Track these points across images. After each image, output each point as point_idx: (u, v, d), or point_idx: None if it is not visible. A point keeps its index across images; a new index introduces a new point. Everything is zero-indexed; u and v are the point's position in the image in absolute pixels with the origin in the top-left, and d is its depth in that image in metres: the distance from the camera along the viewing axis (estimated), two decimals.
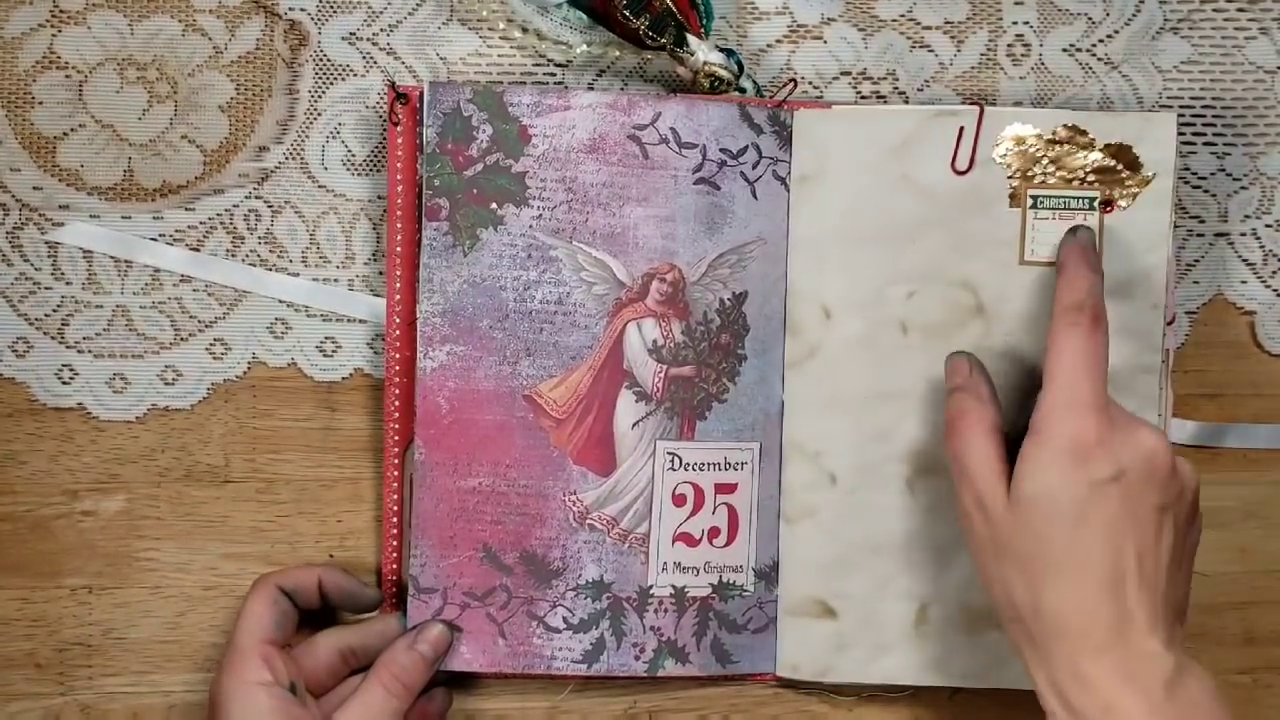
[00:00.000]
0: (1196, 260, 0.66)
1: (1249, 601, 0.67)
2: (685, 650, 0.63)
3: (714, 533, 0.63)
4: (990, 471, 0.55)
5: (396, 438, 0.63)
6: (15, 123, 0.63)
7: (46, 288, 0.64)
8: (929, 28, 0.66)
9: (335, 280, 0.65)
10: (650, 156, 0.62)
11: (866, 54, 0.66)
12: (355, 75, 0.64)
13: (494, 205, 0.61)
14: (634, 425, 0.62)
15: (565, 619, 0.62)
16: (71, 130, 0.64)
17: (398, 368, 0.62)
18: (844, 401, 0.63)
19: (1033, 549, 0.53)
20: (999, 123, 0.62)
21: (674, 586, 0.63)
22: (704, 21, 0.63)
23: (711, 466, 0.63)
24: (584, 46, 0.64)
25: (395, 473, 0.63)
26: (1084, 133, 0.62)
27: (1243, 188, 0.66)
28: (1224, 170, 0.66)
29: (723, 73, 0.62)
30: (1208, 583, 0.66)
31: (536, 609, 0.62)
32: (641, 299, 0.62)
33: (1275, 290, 0.66)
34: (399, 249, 0.62)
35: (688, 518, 0.63)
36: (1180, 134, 0.65)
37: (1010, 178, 0.62)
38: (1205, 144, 0.66)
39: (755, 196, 0.63)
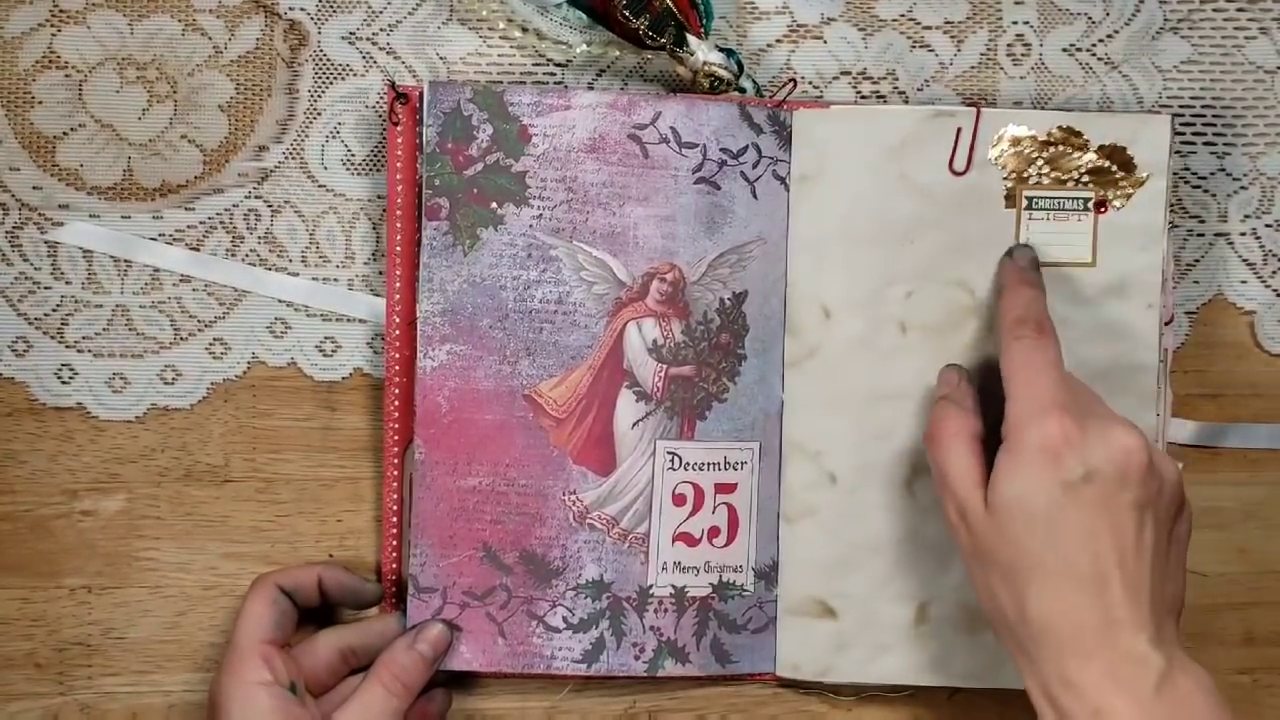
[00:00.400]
0: (1196, 260, 0.66)
1: (1249, 602, 0.67)
2: (685, 650, 0.63)
3: (714, 532, 0.63)
4: (970, 480, 0.55)
5: (396, 437, 0.63)
6: (15, 122, 0.63)
7: (46, 287, 0.64)
8: (929, 27, 0.66)
9: (335, 280, 0.65)
10: (650, 156, 0.62)
11: (866, 54, 0.66)
12: (355, 75, 0.64)
13: (494, 205, 0.61)
14: (634, 425, 0.62)
15: (565, 619, 0.62)
16: (71, 130, 0.64)
17: (397, 367, 0.62)
18: (844, 401, 0.63)
19: (1013, 555, 0.53)
20: (996, 124, 0.62)
21: (674, 586, 0.63)
22: (704, 21, 0.63)
23: (711, 466, 0.63)
24: (584, 46, 0.64)
25: (395, 472, 0.63)
26: (1079, 134, 0.62)
27: (1243, 188, 0.66)
28: (1224, 170, 0.66)
29: (722, 72, 0.63)
30: (1207, 583, 0.66)
31: (536, 609, 0.62)
32: (641, 298, 0.62)
33: (1275, 290, 0.66)
34: (399, 249, 0.62)
35: (688, 517, 0.63)
36: (1180, 134, 0.66)
37: (1006, 179, 0.62)
38: (1205, 144, 0.66)
39: (755, 196, 0.63)
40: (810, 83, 0.65)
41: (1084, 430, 0.53)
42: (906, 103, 0.65)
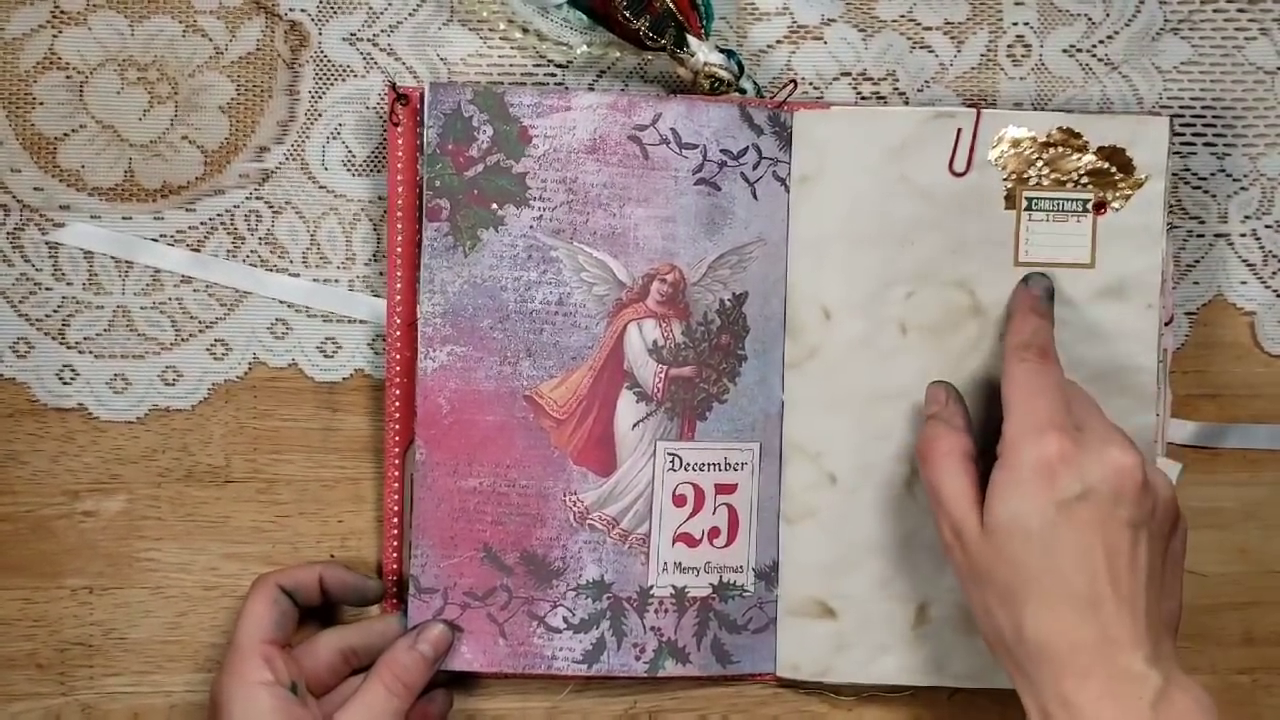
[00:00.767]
0: (1196, 261, 0.66)
1: (1249, 602, 0.67)
2: (685, 650, 0.63)
3: (714, 533, 0.63)
4: (964, 500, 0.55)
5: (397, 438, 0.63)
6: (16, 123, 0.64)
7: (47, 288, 0.64)
8: (929, 28, 0.66)
9: (336, 281, 0.65)
10: (651, 157, 0.62)
11: (866, 55, 0.66)
12: (355, 76, 0.64)
13: (494, 206, 0.61)
14: (634, 426, 0.62)
15: (566, 619, 0.62)
16: (72, 131, 0.64)
17: (398, 368, 0.62)
18: (844, 402, 0.63)
19: (1009, 575, 0.53)
20: (995, 125, 0.62)
21: (674, 587, 0.63)
22: (704, 22, 0.63)
23: (712, 467, 0.63)
24: (584, 47, 0.64)
25: (396, 473, 0.63)
26: (1078, 135, 0.62)
27: (1243, 188, 0.66)
28: (1224, 171, 0.66)
29: (723, 73, 0.63)
30: (1208, 583, 0.66)
31: (537, 609, 0.62)
32: (642, 299, 0.62)
33: (1275, 291, 0.66)
34: (399, 249, 0.62)
35: (688, 518, 0.63)
36: (1180, 134, 0.66)
37: (1006, 180, 0.62)
38: (1205, 144, 0.66)
39: (755, 197, 0.63)
40: (810, 84, 0.65)
41: (1079, 448, 0.53)
42: (906, 104, 0.65)
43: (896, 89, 0.66)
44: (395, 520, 0.63)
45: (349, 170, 0.64)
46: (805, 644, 0.64)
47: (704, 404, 0.63)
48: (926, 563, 0.63)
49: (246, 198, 0.64)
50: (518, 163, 0.61)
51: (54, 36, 0.63)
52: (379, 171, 0.64)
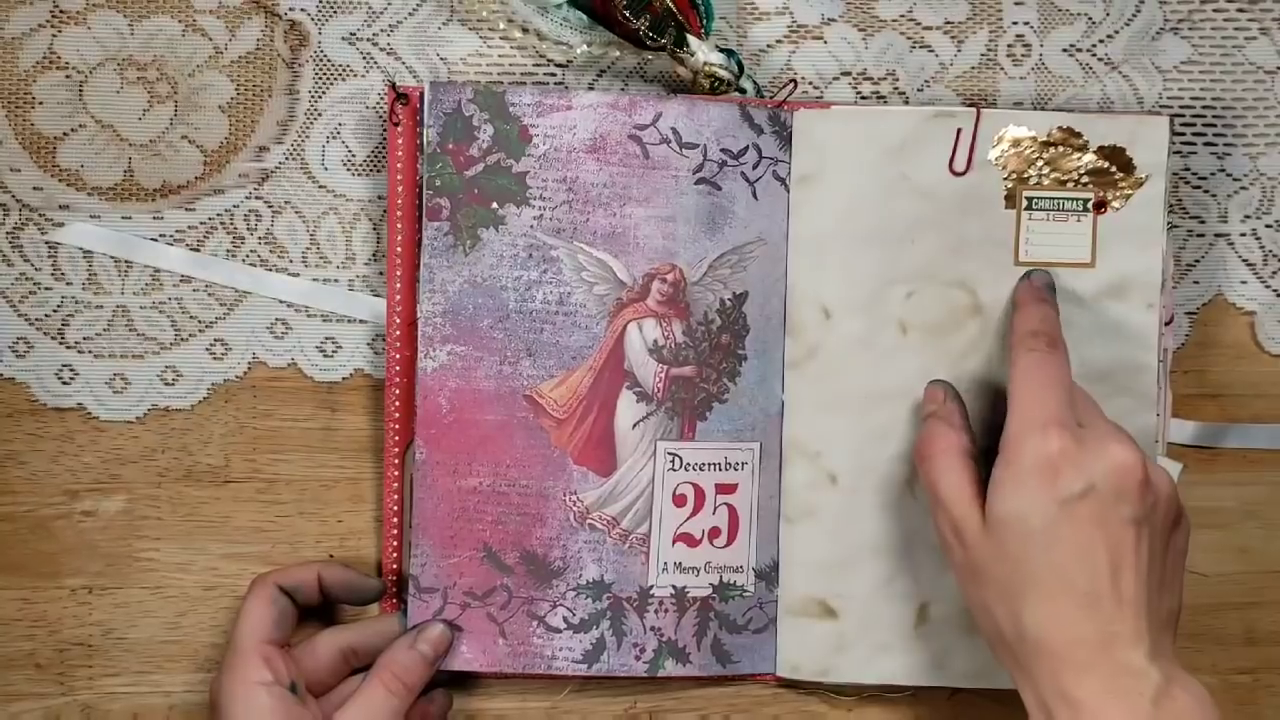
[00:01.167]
0: (1196, 260, 0.66)
1: (1249, 602, 0.67)
2: (685, 650, 0.63)
3: (714, 533, 0.63)
4: (964, 498, 0.55)
5: (397, 438, 0.63)
6: (15, 123, 0.63)
7: (47, 288, 0.64)
8: (929, 28, 0.66)
9: (335, 280, 0.65)
10: (651, 157, 0.62)
11: (866, 54, 0.66)
12: (355, 75, 0.64)
13: (495, 205, 0.61)
14: (634, 425, 0.62)
15: (566, 619, 0.62)
16: (72, 130, 0.64)
17: (398, 368, 0.62)
18: (844, 401, 0.63)
19: (1009, 572, 0.53)
20: (996, 124, 0.62)
21: (674, 587, 0.63)
22: (704, 22, 0.63)
23: (712, 467, 0.63)
24: (584, 47, 0.64)
25: (396, 473, 0.63)
26: (1078, 135, 0.62)
27: (1243, 188, 0.66)
28: (1224, 170, 0.66)
29: (723, 73, 0.63)
30: (1208, 583, 0.66)
31: (537, 609, 0.62)
32: (642, 299, 0.62)
33: (1275, 290, 0.66)
34: (399, 249, 0.62)
35: (688, 518, 0.63)
36: (1180, 134, 0.66)
37: (1006, 179, 0.62)
38: (1205, 144, 0.66)
39: (755, 197, 0.63)
40: (810, 83, 0.65)
41: (1081, 445, 0.53)
42: (906, 103, 0.65)
43: (896, 89, 0.66)
44: (395, 520, 0.63)
45: (349, 170, 0.64)
46: (805, 644, 0.64)
47: (704, 404, 0.63)
48: (927, 562, 0.63)
49: (246, 197, 0.64)
50: (518, 162, 0.61)
51: (53, 36, 0.63)
52: (379, 171, 0.64)
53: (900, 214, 0.63)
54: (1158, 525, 0.54)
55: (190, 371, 0.64)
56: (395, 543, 0.63)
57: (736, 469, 0.63)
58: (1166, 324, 0.63)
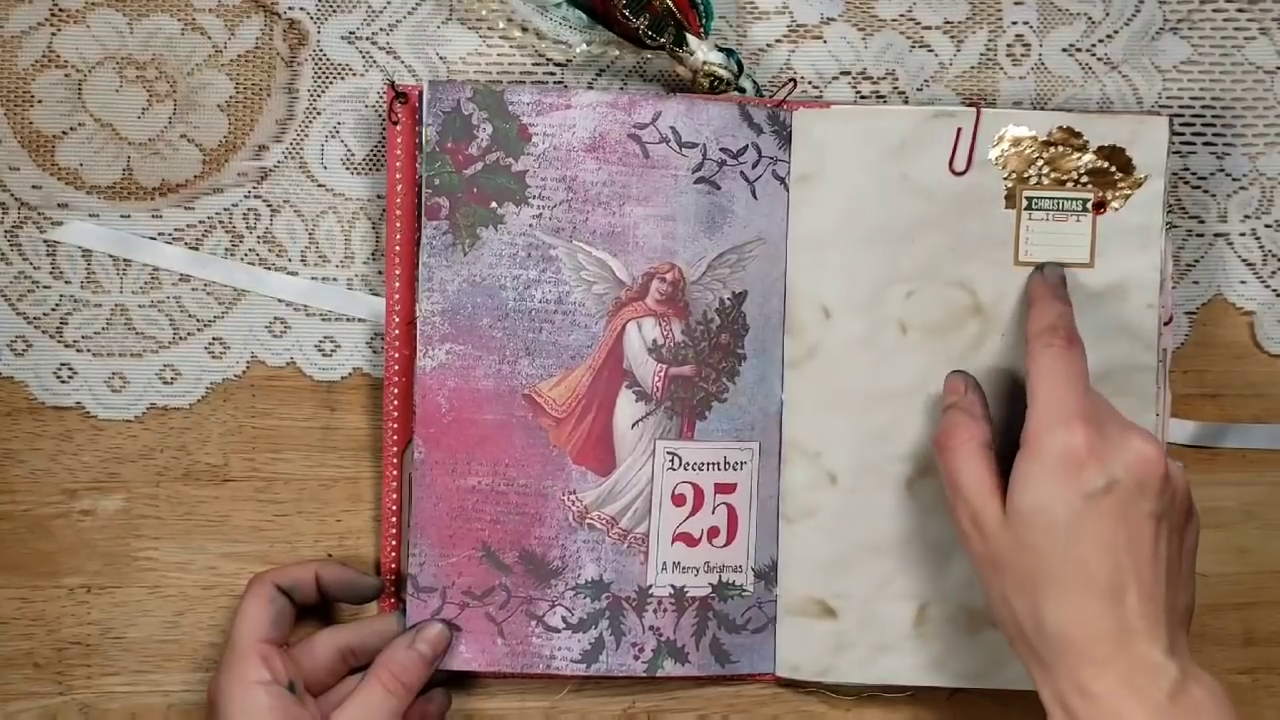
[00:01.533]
0: (1196, 260, 0.66)
1: (1249, 602, 0.67)
2: (684, 650, 0.63)
3: (713, 532, 0.63)
4: (984, 489, 0.55)
5: (395, 437, 0.63)
6: (14, 122, 0.63)
7: (45, 286, 0.64)
8: (929, 28, 0.66)
9: (334, 279, 0.65)
10: (650, 156, 0.62)
11: (866, 54, 0.66)
12: (354, 74, 0.64)
13: (494, 204, 0.61)
14: (634, 425, 0.62)
15: (564, 619, 0.62)
16: (71, 129, 0.64)
17: (397, 367, 0.62)
18: (844, 401, 0.63)
19: (1030, 564, 0.53)
20: (996, 124, 0.62)
21: (673, 586, 0.63)
22: (704, 21, 0.63)
23: (711, 466, 0.63)
24: (584, 46, 0.64)
25: (394, 472, 0.63)
26: (1078, 135, 0.62)
27: (1242, 188, 0.66)
28: (1224, 170, 0.66)
29: (722, 72, 0.62)
30: (1208, 583, 0.66)
31: (535, 608, 0.62)
32: (641, 298, 0.62)
33: (1275, 290, 0.66)
34: (398, 248, 0.62)
35: (687, 517, 0.63)
36: (1180, 134, 0.66)
37: (1006, 179, 0.62)
38: (1205, 144, 0.66)
39: (755, 196, 0.63)
40: (810, 83, 0.65)
41: (1104, 440, 0.53)
42: (906, 103, 0.65)
43: (896, 88, 0.66)
44: (394, 519, 0.63)
45: (348, 169, 0.64)
46: (805, 644, 0.64)
47: (703, 403, 0.63)
48: (927, 562, 0.63)
49: (245, 196, 0.64)
50: (517, 161, 0.61)
51: (52, 35, 0.63)
52: (378, 170, 0.64)
53: (900, 214, 0.62)
54: (1175, 520, 0.54)
55: (189, 370, 0.64)
56: (394, 542, 0.63)
57: (736, 468, 0.63)
58: (1166, 324, 0.63)
